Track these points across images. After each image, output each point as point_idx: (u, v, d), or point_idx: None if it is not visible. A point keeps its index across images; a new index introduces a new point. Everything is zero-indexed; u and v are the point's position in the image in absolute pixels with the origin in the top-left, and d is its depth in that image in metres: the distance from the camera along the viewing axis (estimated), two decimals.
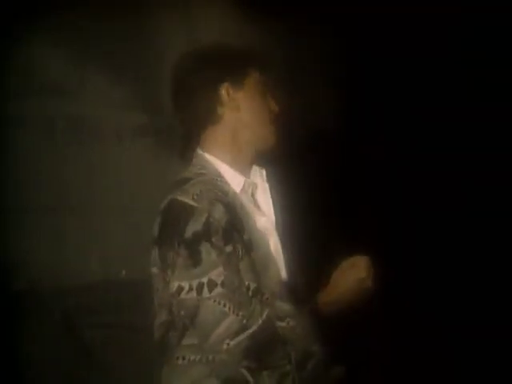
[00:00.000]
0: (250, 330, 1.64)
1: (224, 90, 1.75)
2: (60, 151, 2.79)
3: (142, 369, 2.12)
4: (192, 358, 1.70)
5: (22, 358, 2.66)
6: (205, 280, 1.65)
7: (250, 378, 1.65)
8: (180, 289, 1.66)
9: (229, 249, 1.66)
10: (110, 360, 2.79)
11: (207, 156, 1.77)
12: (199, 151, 1.78)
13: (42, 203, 2.75)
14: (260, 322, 1.65)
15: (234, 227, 1.68)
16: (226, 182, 1.74)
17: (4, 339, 2.61)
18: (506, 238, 3.31)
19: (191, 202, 1.66)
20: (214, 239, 1.65)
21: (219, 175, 1.75)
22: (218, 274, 1.65)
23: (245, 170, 1.78)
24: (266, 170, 1.87)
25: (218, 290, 1.65)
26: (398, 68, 3.40)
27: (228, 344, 1.63)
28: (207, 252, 1.65)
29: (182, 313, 1.68)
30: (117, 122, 2.88)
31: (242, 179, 1.76)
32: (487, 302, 3.25)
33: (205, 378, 1.68)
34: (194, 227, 1.65)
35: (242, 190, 1.76)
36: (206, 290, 1.65)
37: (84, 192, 2.81)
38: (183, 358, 1.71)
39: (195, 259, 1.66)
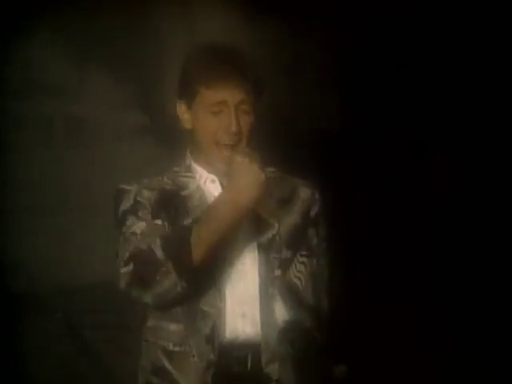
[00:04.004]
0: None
1: (179, 107, 1.87)
2: (59, 151, 2.79)
3: None
4: None
5: (22, 358, 2.66)
6: (129, 231, 1.79)
7: None
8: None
9: (157, 222, 1.80)
10: (109, 360, 2.79)
11: (188, 155, 1.93)
12: (187, 151, 1.94)
13: (42, 203, 2.75)
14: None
15: (168, 209, 1.82)
16: (193, 177, 1.89)
17: (4, 339, 2.61)
18: (505, 238, 3.32)
19: (126, 187, 1.86)
20: (140, 213, 1.81)
21: (189, 171, 1.90)
22: (140, 226, 1.78)
23: (215, 168, 1.87)
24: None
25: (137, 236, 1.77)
26: (398, 68, 3.40)
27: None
28: (132, 222, 1.80)
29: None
30: (117, 122, 2.88)
31: (206, 175, 1.89)
32: (487, 301, 3.25)
33: None
34: (124, 207, 1.83)
35: (204, 183, 1.88)
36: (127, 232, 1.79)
37: (84, 192, 2.81)
38: None
39: (121, 230, 1.81)
